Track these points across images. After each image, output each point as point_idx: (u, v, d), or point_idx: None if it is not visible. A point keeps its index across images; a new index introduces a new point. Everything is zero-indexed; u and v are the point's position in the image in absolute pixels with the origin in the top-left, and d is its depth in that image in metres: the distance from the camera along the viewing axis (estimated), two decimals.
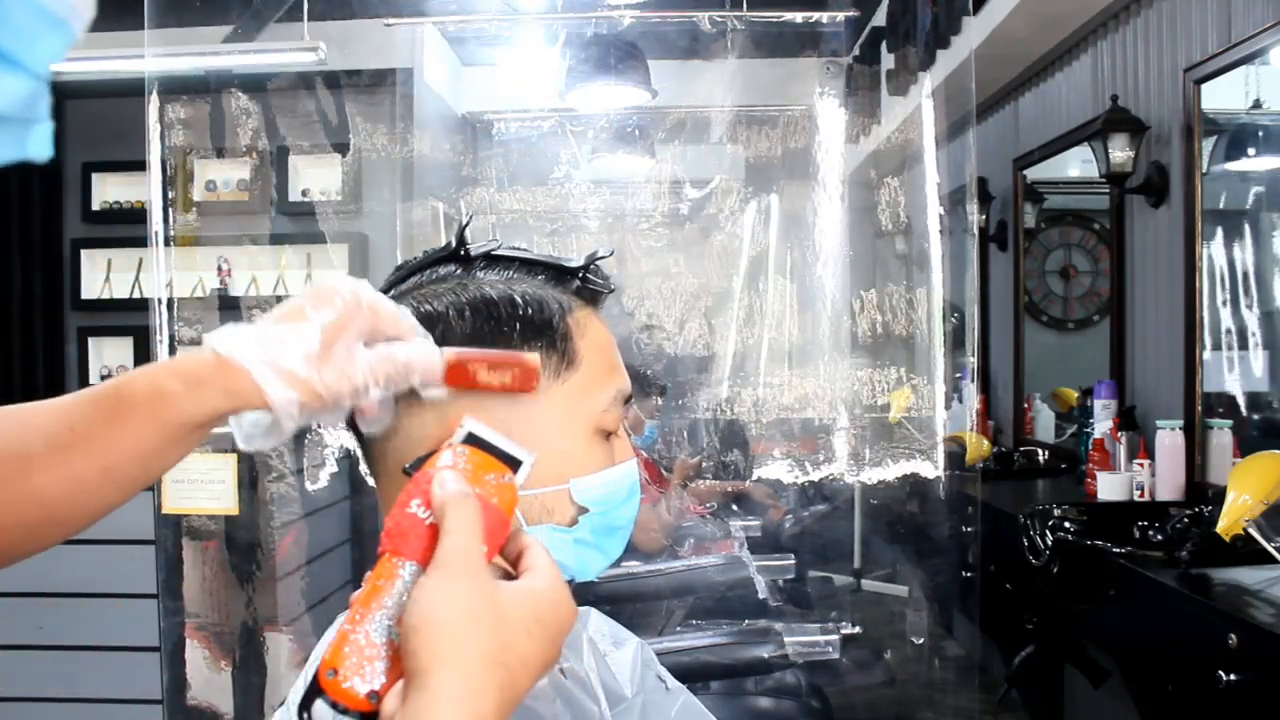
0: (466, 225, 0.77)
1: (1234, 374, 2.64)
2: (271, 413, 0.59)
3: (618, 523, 0.78)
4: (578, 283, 0.78)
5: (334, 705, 0.50)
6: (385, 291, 0.75)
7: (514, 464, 0.60)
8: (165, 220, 2.80)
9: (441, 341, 0.68)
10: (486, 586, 0.52)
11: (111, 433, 0.57)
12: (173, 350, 3.24)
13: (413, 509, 0.55)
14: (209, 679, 2.89)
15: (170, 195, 3.24)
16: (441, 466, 0.57)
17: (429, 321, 0.71)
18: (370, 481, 0.78)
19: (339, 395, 0.60)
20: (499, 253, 0.77)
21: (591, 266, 0.79)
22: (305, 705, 0.51)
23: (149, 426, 0.57)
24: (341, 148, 3.94)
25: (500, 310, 0.72)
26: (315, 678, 0.51)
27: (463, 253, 0.77)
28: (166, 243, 3.10)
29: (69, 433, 0.56)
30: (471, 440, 0.60)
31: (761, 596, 2.39)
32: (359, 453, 0.77)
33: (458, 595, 0.51)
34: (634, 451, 0.82)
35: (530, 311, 0.73)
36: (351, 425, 0.74)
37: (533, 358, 0.68)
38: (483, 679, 0.50)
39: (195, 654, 2.85)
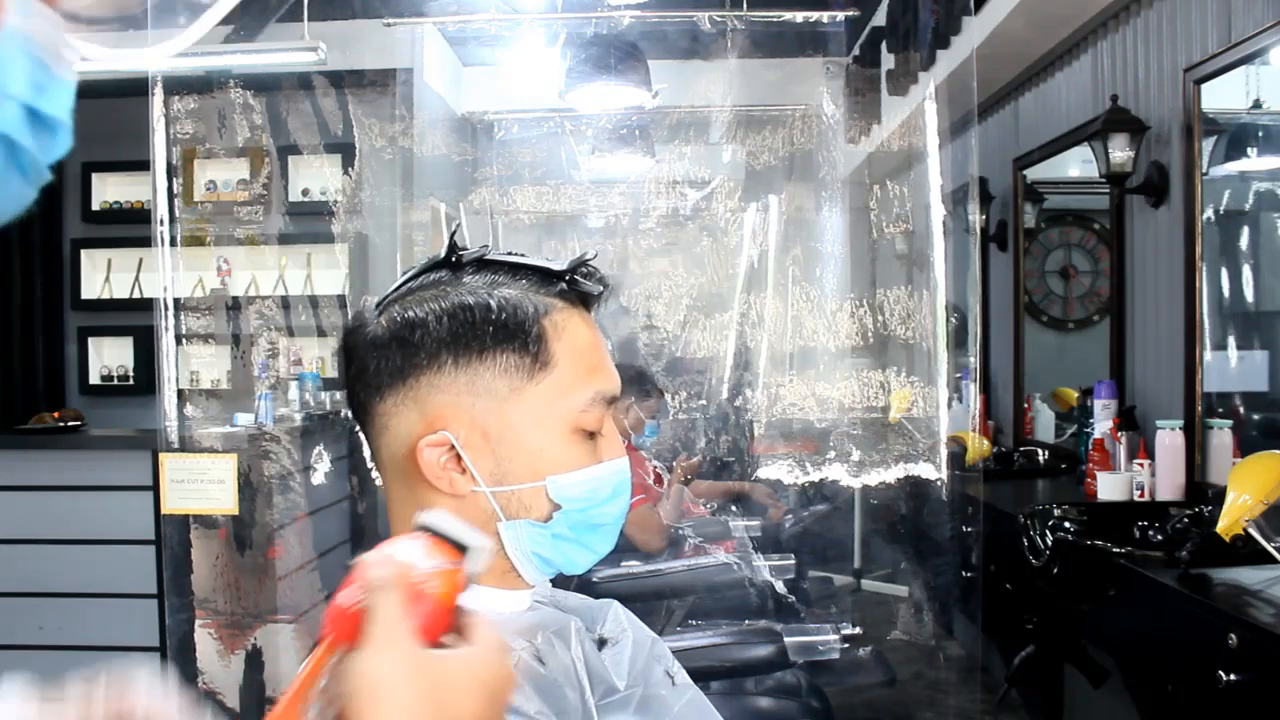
0: (455, 231, 0.81)
1: (1234, 374, 2.64)
2: None
3: (600, 520, 0.81)
4: (563, 285, 0.81)
5: None
6: (383, 301, 0.81)
7: (463, 555, 0.58)
8: (170, 219, 2.81)
9: (420, 344, 0.75)
10: (414, 654, 0.53)
11: None
12: (177, 348, 3.24)
13: (345, 596, 0.55)
14: (214, 670, 2.89)
15: (173, 194, 3.24)
16: (385, 555, 0.57)
17: (410, 327, 0.77)
18: (376, 481, 0.80)
19: None
20: (488, 258, 0.81)
21: (582, 269, 0.82)
22: None
23: None
24: (342, 148, 3.94)
25: (475, 315, 0.77)
26: None
27: (453, 259, 0.81)
28: (170, 242, 3.10)
29: None
30: (425, 529, 0.59)
31: (780, 591, 2.39)
32: (367, 450, 0.83)
33: (384, 664, 0.51)
34: (630, 451, 0.83)
35: (504, 316, 0.77)
36: (359, 422, 0.80)
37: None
38: None
39: (204, 645, 2.86)
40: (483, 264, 0.81)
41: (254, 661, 2.90)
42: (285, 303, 3.91)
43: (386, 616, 0.53)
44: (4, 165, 0.39)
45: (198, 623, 2.90)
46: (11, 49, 0.39)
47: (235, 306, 3.93)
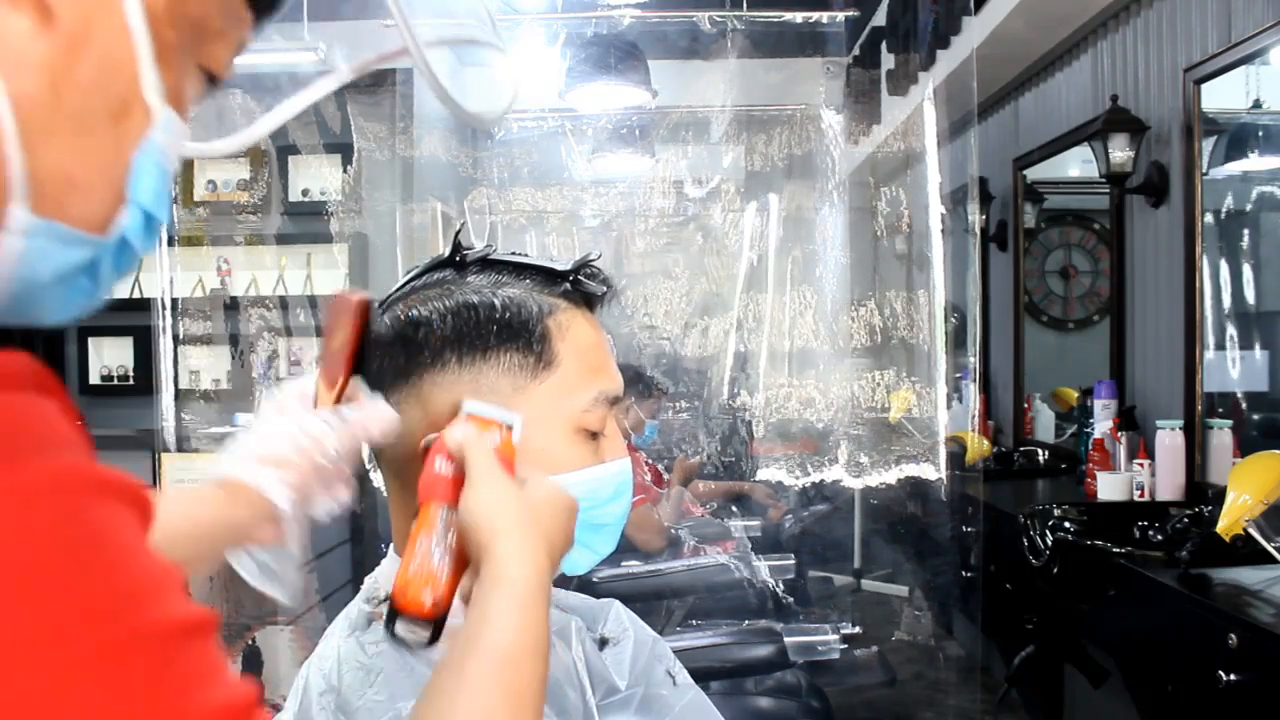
0: (459, 231, 0.81)
1: (1234, 374, 2.64)
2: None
3: (602, 520, 0.81)
4: (567, 285, 0.81)
5: (409, 618, 0.65)
6: (387, 301, 0.82)
7: (508, 426, 0.73)
8: (170, 219, 2.80)
9: (423, 342, 0.76)
10: (511, 484, 0.67)
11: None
12: (176, 348, 3.24)
13: (437, 467, 0.69)
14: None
15: (172, 195, 3.23)
16: (455, 431, 0.71)
17: (414, 326, 0.77)
18: (375, 481, 0.81)
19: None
20: (492, 257, 0.81)
21: (586, 269, 0.82)
22: (389, 624, 0.66)
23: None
24: (341, 148, 3.94)
25: (479, 314, 0.77)
26: (391, 601, 0.66)
27: (457, 259, 0.81)
28: (170, 242, 3.10)
29: None
30: (471, 415, 0.72)
31: (780, 591, 2.39)
32: (366, 449, 0.83)
33: (494, 490, 0.66)
34: (631, 452, 0.84)
35: (508, 315, 0.77)
36: None
37: None
38: (530, 539, 0.64)
39: None
40: (486, 264, 0.81)
41: (253, 662, 2.90)
42: (285, 303, 3.91)
43: (482, 461, 0.67)
44: (112, 267, 0.42)
45: None
46: (149, 162, 0.42)
47: (235, 307, 3.92)
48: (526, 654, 0.60)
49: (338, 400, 0.75)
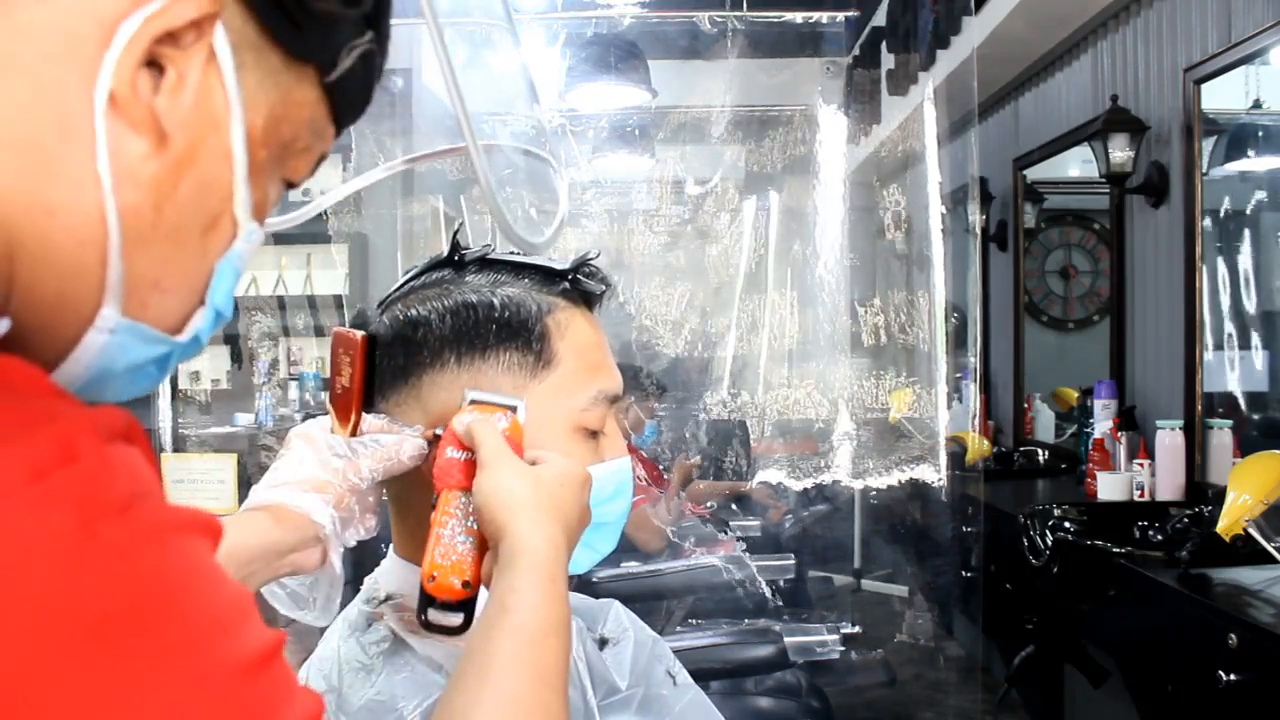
0: (458, 230, 0.81)
1: (1234, 374, 2.64)
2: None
3: (602, 519, 0.80)
4: (566, 284, 0.81)
5: (441, 603, 0.67)
6: (385, 301, 0.82)
7: (512, 409, 0.75)
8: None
9: (423, 342, 0.77)
10: (521, 463, 0.69)
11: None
12: None
13: (449, 454, 0.71)
14: None
15: None
16: (463, 419, 0.72)
17: (412, 326, 0.77)
18: None
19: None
20: (490, 257, 0.81)
21: (584, 268, 0.82)
22: (421, 610, 0.68)
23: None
24: (341, 148, 3.94)
25: (478, 313, 0.77)
26: (421, 588, 0.67)
27: (456, 258, 0.81)
28: None
29: None
30: (475, 403, 0.74)
31: (780, 591, 2.39)
32: None
33: (506, 472, 0.68)
34: (630, 451, 0.84)
35: (507, 314, 0.77)
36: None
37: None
38: (546, 518, 0.66)
39: None
40: (485, 263, 0.81)
41: None
42: (284, 303, 3.91)
43: (493, 444, 0.69)
44: (179, 358, 0.46)
45: None
46: (229, 268, 0.45)
47: (235, 307, 3.93)
48: (549, 631, 0.61)
49: (353, 435, 0.76)
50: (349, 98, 0.49)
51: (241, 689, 0.37)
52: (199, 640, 0.36)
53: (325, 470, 0.73)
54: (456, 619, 0.67)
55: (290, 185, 0.50)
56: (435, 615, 0.67)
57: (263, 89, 0.44)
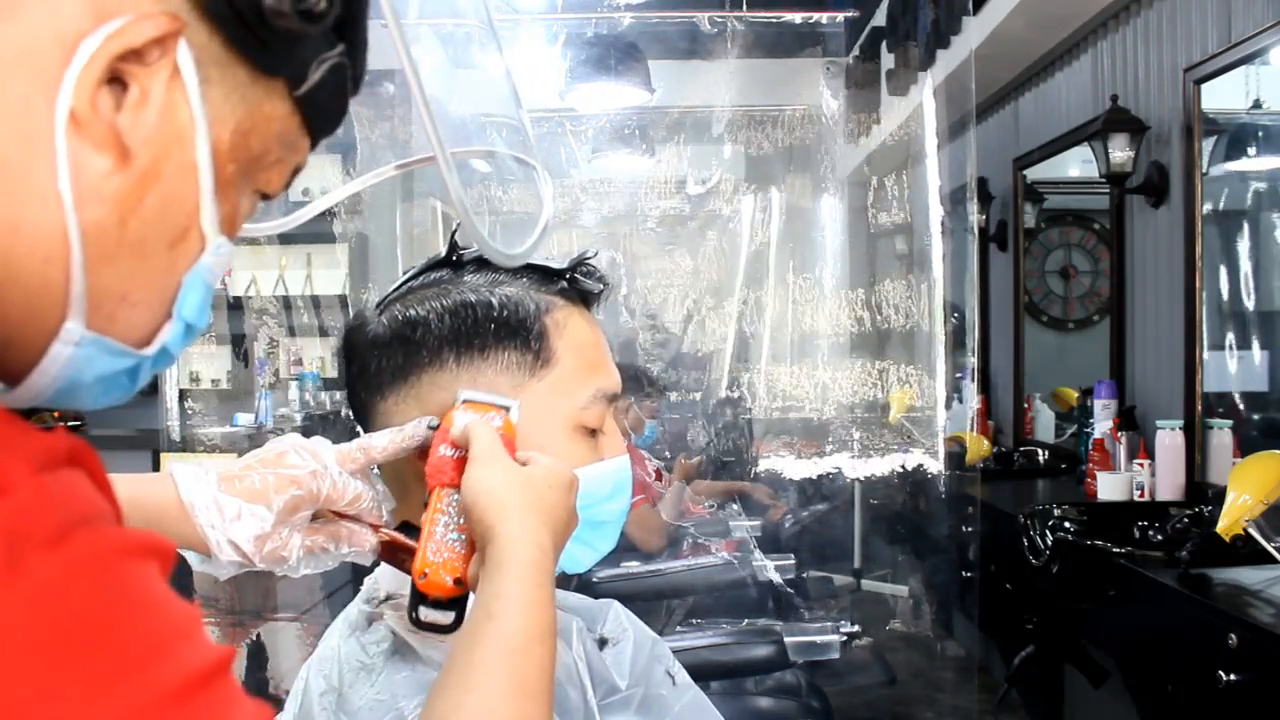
0: (456, 231, 0.81)
1: (1234, 374, 2.64)
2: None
3: (601, 518, 0.81)
4: (564, 283, 0.81)
5: (433, 600, 0.67)
6: (384, 301, 0.81)
7: (505, 408, 0.75)
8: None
9: (421, 342, 0.76)
10: (512, 464, 0.69)
11: None
12: None
13: (441, 452, 0.71)
14: None
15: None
16: (458, 418, 0.73)
17: (411, 326, 0.77)
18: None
19: (273, 565, 0.71)
20: None
21: (582, 267, 0.82)
22: (413, 608, 0.68)
23: None
24: (342, 148, 3.94)
25: (476, 312, 0.77)
26: (413, 585, 0.68)
27: (454, 258, 0.81)
28: None
29: None
30: (468, 401, 0.74)
31: (780, 590, 2.39)
32: None
33: (495, 470, 0.68)
34: (630, 450, 0.84)
35: (505, 313, 0.77)
36: (360, 422, 0.82)
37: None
38: (534, 520, 0.66)
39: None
40: (483, 263, 0.81)
41: (257, 658, 2.90)
42: (285, 303, 3.91)
43: (484, 442, 0.69)
44: (149, 369, 0.46)
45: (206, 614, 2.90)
46: (197, 281, 0.45)
47: (236, 306, 3.92)
48: (534, 639, 0.61)
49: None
50: (321, 109, 0.48)
51: (175, 713, 0.36)
52: (130, 668, 0.35)
53: (255, 550, 0.69)
54: (448, 616, 0.67)
55: (265, 197, 0.50)
56: (427, 613, 0.68)
57: (229, 103, 0.44)
